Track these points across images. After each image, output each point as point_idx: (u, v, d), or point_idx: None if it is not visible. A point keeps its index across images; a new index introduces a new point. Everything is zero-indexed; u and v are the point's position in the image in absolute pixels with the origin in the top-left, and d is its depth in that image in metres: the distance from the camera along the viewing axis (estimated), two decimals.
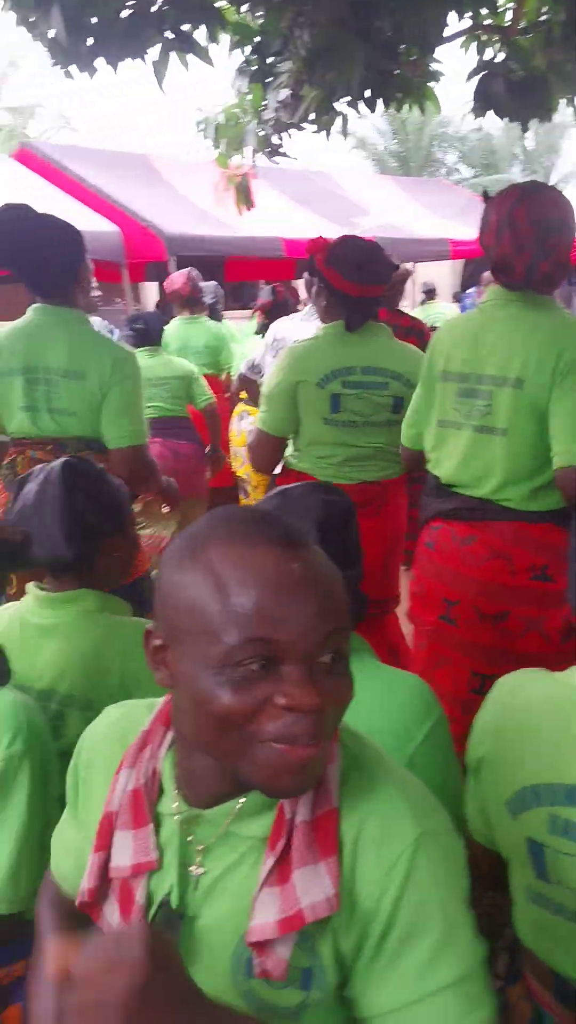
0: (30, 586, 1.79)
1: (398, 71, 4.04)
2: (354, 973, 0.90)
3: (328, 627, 0.84)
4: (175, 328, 5.50)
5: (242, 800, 0.93)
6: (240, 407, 5.17)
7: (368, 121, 27.21)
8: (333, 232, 6.56)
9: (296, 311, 4.97)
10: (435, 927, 0.87)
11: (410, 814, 0.91)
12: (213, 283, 5.67)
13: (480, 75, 3.88)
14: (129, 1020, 0.69)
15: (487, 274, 6.12)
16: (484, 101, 3.89)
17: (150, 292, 11.46)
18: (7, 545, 1.49)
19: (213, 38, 3.78)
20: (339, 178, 10.99)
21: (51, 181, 7.63)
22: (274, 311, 5.06)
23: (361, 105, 4.10)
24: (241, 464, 5.24)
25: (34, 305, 2.69)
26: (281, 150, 4.62)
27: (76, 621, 1.73)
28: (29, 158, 8.10)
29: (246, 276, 9.89)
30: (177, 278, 5.48)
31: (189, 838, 0.96)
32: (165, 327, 5.23)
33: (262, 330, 5.14)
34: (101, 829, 1.00)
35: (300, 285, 5.20)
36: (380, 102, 4.11)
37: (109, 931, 0.80)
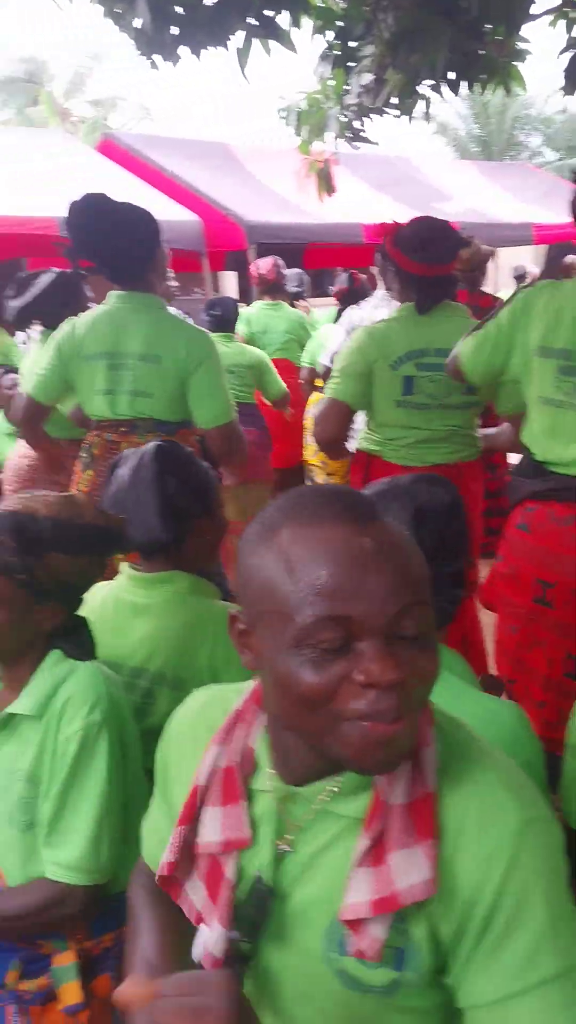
0: (124, 566, 1.84)
1: (483, 51, 3.97)
2: (454, 961, 0.89)
3: (403, 600, 0.83)
4: (257, 312, 5.62)
5: (339, 779, 0.93)
6: (317, 396, 5.21)
7: (449, 105, 26.85)
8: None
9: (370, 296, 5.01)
10: (538, 918, 0.86)
11: (513, 801, 0.90)
12: (298, 271, 5.72)
13: (571, 53, 3.78)
14: None
15: (571, 257, 5.98)
16: (574, 80, 3.79)
17: (229, 281, 11.51)
18: (110, 531, 1.52)
19: (296, 23, 3.77)
20: (419, 163, 10.85)
21: (133, 171, 7.72)
22: (350, 297, 5.10)
23: (444, 88, 4.05)
24: (314, 453, 5.30)
25: (112, 292, 2.76)
26: (363, 135, 4.59)
27: (168, 602, 1.77)
28: (112, 149, 8.21)
29: (326, 263, 9.86)
30: (263, 264, 5.61)
31: (284, 816, 0.96)
32: (247, 311, 5.32)
33: (339, 316, 5.21)
34: (188, 803, 1.01)
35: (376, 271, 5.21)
36: (464, 84, 4.05)
37: (191, 975, 0.81)
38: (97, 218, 2.65)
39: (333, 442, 2.90)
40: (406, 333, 2.75)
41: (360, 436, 2.93)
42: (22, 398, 2.88)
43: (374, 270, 7.81)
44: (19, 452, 3.59)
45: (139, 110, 23.19)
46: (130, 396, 2.68)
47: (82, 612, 1.58)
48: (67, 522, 1.46)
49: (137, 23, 3.54)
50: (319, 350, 5.19)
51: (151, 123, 22.68)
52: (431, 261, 2.71)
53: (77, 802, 1.41)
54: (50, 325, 3.54)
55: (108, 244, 2.66)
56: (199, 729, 1.08)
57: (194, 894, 1.01)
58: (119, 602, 1.81)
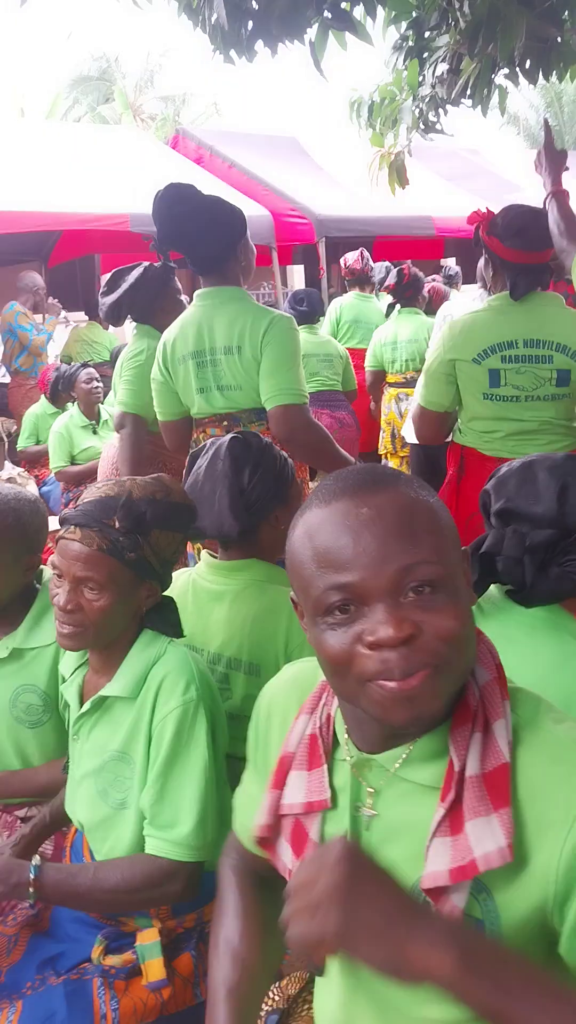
0: (204, 554, 1.87)
1: (560, 39, 3.90)
2: (560, 933, 0.90)
3: (399, 563, 0.87)
4: (351, 302, 5.84)
5: (408, 746, 0.95)
6: (392, 392, 5.26)
7: (520, 94, 26.40)
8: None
9: (422, 290, 5.22)
10: None
11: None
12: (386, 263, 5.78)
13: None
14: (342, 911, 0.80)
15: None
16: None
17: (296, 275, 11.52)
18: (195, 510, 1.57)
19: (371, 14, 3.76)
20: (490, 154, 10.72)
21: (204, 166, 7.78)
22: (399, 291, 5.24)
23: (520, 77, 3.99)
24: (385, 443, 5.40)
25: (197, 291, 2.79)
26: (437, 127, 4.55)
27: (244, 590, 1.80)
28: (183, 144, 8.29)
29: (394, 256, 9.80)
30: (351, 256, 5.80)
31: (361, 781, 0.99)
32: (341, 301, 5.62)
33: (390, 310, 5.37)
34: (278, 768, 1.06)
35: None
36: (540, 73, 3.99)
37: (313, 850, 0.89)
38: (182, 208, 2.67)
39: (435, 443, 2.98)
40: (493, 325, 2.72)
41: (454, 429, 2.94)
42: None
43: (444, 262, 7.72)
44: (116, 442, 3.64)
45: (208, 105, 23.31)
46: (221, 391, 2.69)
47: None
48: (163, 500, 1.51)
49: (213, 18, 3.57)
50: (383, 351, 5.24)
51: (220, 118, 22.76)
52: (528, 248, 2.69)
53: (181, 779, 1.44)
54: (141, 319, 3.58)
55: (192, 234, 2.67)
56: (290, 700, 1.12)
57: (284, 856, 1.05)
58: (198, 588, 1.85)
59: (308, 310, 4.88)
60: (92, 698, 1.53)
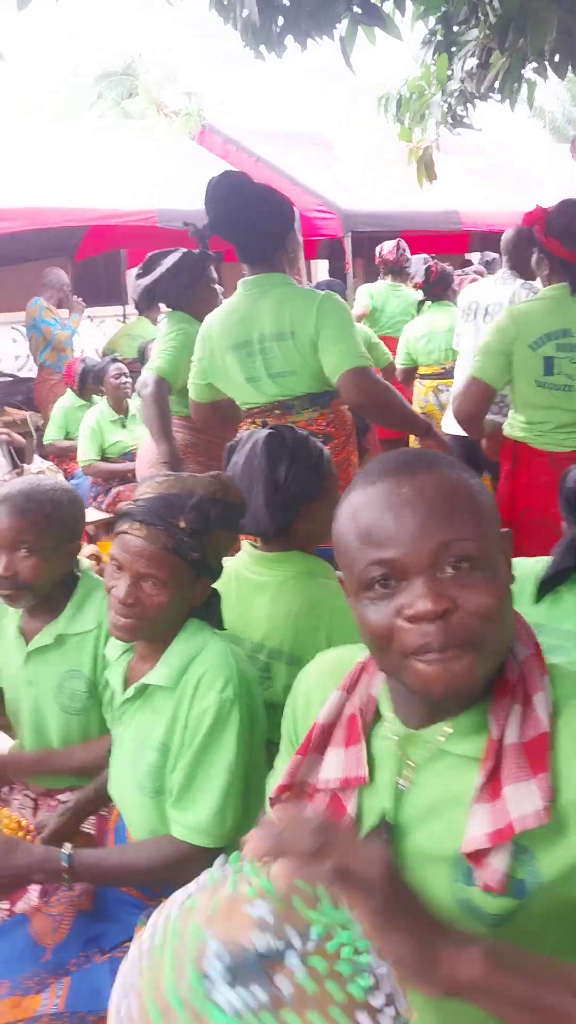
0: (246, 544, 1.92)
1: None
2: None
3: (437, 539, 0.91)
4: (381, 290, 5.96)
5: (451, 721, 0.99)
6: (429, 385, 5.28)
7: (547, 88, 26.15)
8: (510, 204, 6.42)
9: (451, 284, 5.30)
10: None
11: None
12: (423, 256, 5.83)
13: None
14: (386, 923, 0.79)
15: None
16: None
17: (321, 270, 11.52)
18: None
19: (401, 9, 3.76)
20: (515, 148, 10.66)
21: (229, 161, 7.80)
22: (428, 288, 5.34)
23: (549, 71, 3.99)
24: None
25: (240, 280, 2.79)
26: (466, 121, 4.56)
27: (285, 582, 1.83)
28: (209, 139, 8.31)
29: (420, 250, 9.78)
30: (387, 246, 5.94)
31: (403, 756, 1.02)
32: (372, 287, 5.85)
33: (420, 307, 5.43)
34: (307, 736, 1.10)
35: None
36: (569, 67, 3.98)
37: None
38: (232, 196, 2.68)
39: (471, 419, 2.94)
40: (550, 313, 2.78)
41: (506, 423, 2.96)
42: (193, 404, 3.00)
43: (470, 256, 7.69)
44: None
45: (231, 100, 23.31)
46: (273, 378, 2.67)
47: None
48: (223, 500, 1.56)
49: (244, 14, 3.59)
50: (416, 347, 5.25)
51: (242, 113, 22.76)
52: None
53: (207, 771, 1.48)
54: (174, 306, 3.54)
55: (242, 223, 2.68)
56: (327, 684, 1.15)
57: None
58: (241, 578, 1.89)
59: None
60: (135, 685, 1.57)
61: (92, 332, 10.45)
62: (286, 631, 1.80)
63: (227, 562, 1.90)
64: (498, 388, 2.86)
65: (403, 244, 5.90)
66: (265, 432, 1.92)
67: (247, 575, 1.89)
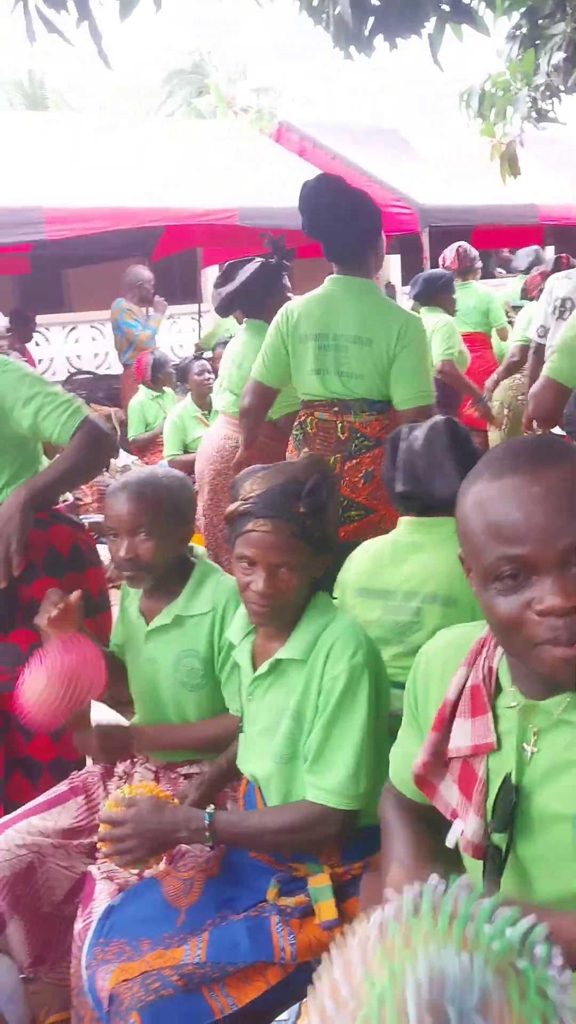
0: (402, 520, 2.10)
1: None
2: None
3: (569, 539, 0.96)
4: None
5: (572, 693, 1.06)
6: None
7: None
8: None
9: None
10: None
11: None
12: (534, 247, 5.85)
13: None
14: None
15: None
16: None
17: (393, 265, 11.54)
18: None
19: (490, 5, 3.79)
20: None
21: (307, 158, 7.87)
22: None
23: None
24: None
25: (329, 276, 2.91)
26: (551, 116, 4.57)
27: (443, 539, 1.97)
28: (286, 137, 8.40)
29: (492, 244, 9.74)
30: (448, 256, 5.93)
31: (527, 724, 1.10)
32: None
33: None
34: (438, 715, 1.18)
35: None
36: None
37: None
38: (327, 198, 2.80)
39: (548, 420, 2.97)
40: None
41: None
42: (251, 383, 3.10)
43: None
44: (221, 433, 3.78)
45: (301, 98, 23.42)
46: (341, 376, 2.82)
47: (360, 560, 1.97)
48: (329, 479, 1.67)
49: (335, 12, 3.66)
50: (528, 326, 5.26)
51: (313, 110, 22.84)
52: None
53: (341, 734, 1.58)
54: (251, 314, 3.72)
55: (333, 224, 2.80)
56: (448, 659, 1.23)
57: (448, 794, 1.18)
58: (396, 544, 2.07)
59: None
60: (268, 661, 1.67)
61: (166, 330, 10.64)
62: (441, 578, 1.94)
63: (379, 539, 2.16)
64: (573, 387, 2.87)
65: (463, 247, 5.85)
66: (441, 419, 2.10)
67: (403, 540, 2.07)
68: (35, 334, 10.37)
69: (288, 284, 3.77)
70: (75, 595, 1.93)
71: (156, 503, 1.92)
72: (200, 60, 23.71)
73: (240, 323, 4.28)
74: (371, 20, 3.69)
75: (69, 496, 5.01)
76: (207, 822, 1.59)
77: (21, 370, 2.24)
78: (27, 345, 8.14)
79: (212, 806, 1.64)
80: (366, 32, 3.73)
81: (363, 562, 2.11)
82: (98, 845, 1.70)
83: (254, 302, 3.67)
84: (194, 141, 8.36)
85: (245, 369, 3.52)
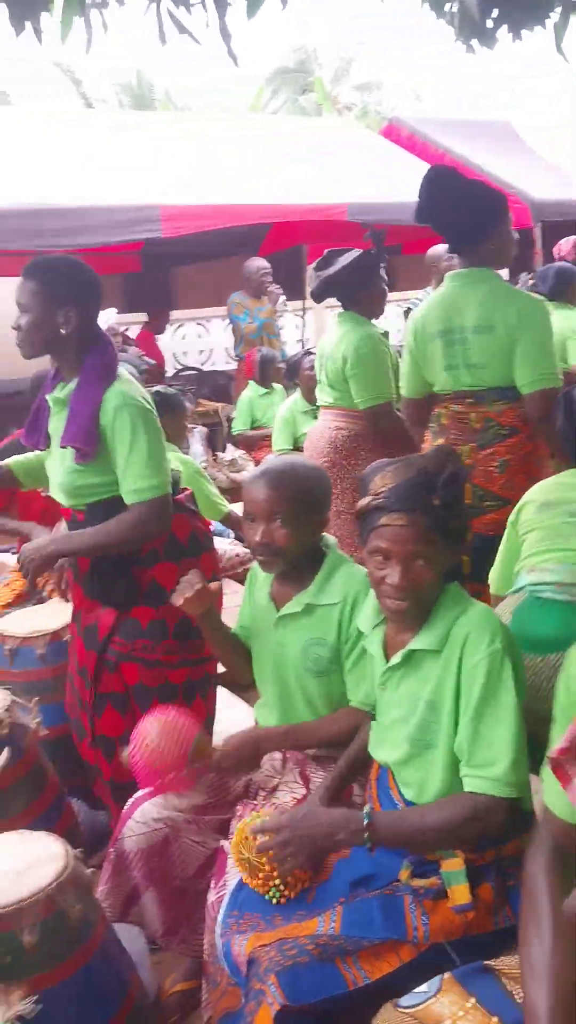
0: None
1: None
2: None
3: None
4: None
5: None
6: None
7: None
8: None
9: None
10: None
11: None
12: None
13: None
14: None
15: None
16: None
17: None
18: None
19: None
20: None
21: (416, 153, 7.84)
22: None
23: None
24: None
25: (448, 274, 2.94)
26: None
27: None
28: (395, 133, 8.38)
29: None
30: (564, 246, 5.93)
31: None
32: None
33: None
34: None
35: None
36: None
37: None
38: (443, 189, 2.83)
39: None
40: None
41: None
42: (404, 403, 3.23)
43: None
44: (332, 425, 3.81)
45: (407, 93, 23.26)
46: (469, 369, 2.85)
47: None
48: (460, 469, 1.68)
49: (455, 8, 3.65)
50: None
51: (421, 105, 22.66)
52: None
53: (493, 721, 1.58)
54: (346, 303, 3.74)
55: (449, 214, 2.83)
56: None
57: None
58: None
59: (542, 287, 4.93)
60: (402, 652, 1.69)
61: (292, 325, 10.72)
62: None
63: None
64: None
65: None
66: None
67: None
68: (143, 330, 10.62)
69: (385, 277, 3.77)
70: (215, 584, 2.04)
71: (294, 491, 1.97)
72: (305, 57, 23.76)
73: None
74: (495, 11, 3.67)
75: None
76: (365, 823, 1.59)
77: (140, 415, 2.24)
78: (128, 341, 8.26)
79: (368, 806, 1.64)
80: (490, 24, 3.71)
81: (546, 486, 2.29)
82: (257, 847, 1.67)
83: (349, 291, 3.68)
84: (302, 138, 8.42)
85: (339, 362, 3.60)
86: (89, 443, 2.23)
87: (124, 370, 2.36)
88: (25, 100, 20.71)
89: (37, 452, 2.53)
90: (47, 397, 2.39)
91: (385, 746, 1.74)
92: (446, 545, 1.65)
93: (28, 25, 2.55)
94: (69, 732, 2.60)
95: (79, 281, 2.28)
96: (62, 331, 2.25)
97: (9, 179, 5.98)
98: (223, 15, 2.66)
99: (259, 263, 7.41)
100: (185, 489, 2.63)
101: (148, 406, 2.30)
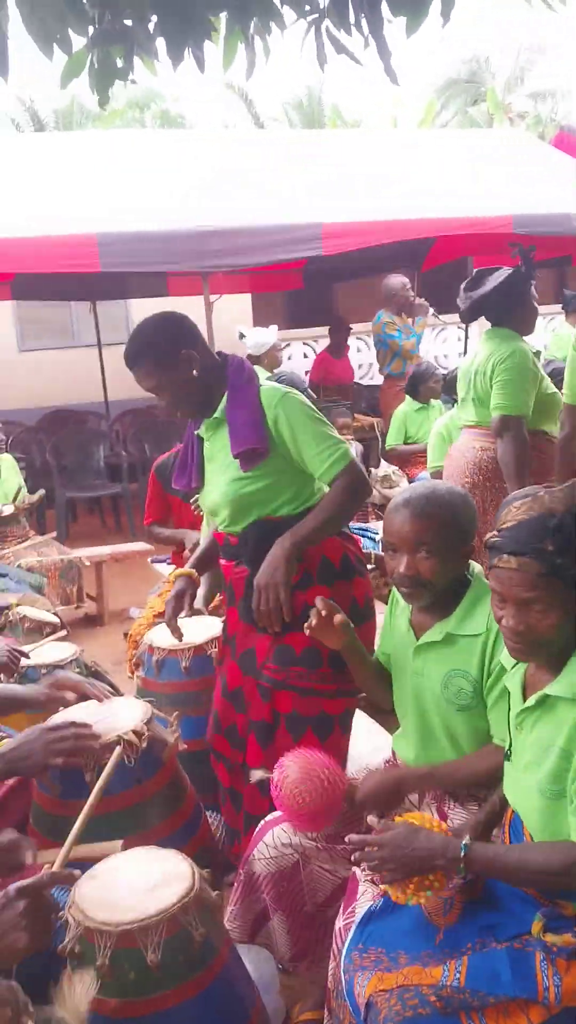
0: None
1: None
2: None
3: None
4: None
5: None
6: None
7: None
8: None
9: None
10: None
11: None
12: None
13: None
14: None
15: None
16: None
17: None
18: None
19: None
20: None
21: None
22: None
23: None
24: None
25: None
26: None
27: None
28: (567, 142, 8.12)
29: None
30: None
31: None
32: None
33: None
34: None
35: None
36: None
37: None
38: None
39: None
40: None
41: None
42: (565, 410, 3.17)
43: None
44: (475, 445, 3.70)
45: None
46: None
47: None
48: None
49: None
50: None
51: None
52: None
53: None
54: (498, 322, 3.65)
55: None
56: None
57: None
58: None
59: None
60: (536, 695, 1.61)
61: (431, 340, 10.63)
62: None
63: None
64: None
65: None
66: None
67: None
68: (304, 346, 10.77)
69: (535, 294, 3.70)
70: (339, 617, 2.02)
71: (440, 520, 1.91)
72: (476, 68, 23.45)
73: None
74: None
75: None
76: (463, 853, 1.54)
77: (301, 404, 2.38)
78: (288, 356, 8.35)
79: (467, 837, 1.59)
80: None
81: None
82: (352, 859, 1.68)
83: (501, 310, 3.62)
84: (468, 150, 8.30)
85: (487, 377, 3.54)
86: (261, 441, 2.33)
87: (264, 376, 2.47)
88: (199, 122, 21.43)
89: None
90: (195, 433, 2.48)
91: (516, 790, 1.66)
92: (571, 588, 1.53)
93: (189, 53, 2.61)
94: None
95: (167, 330, 2.37)
96: (194, 374, 2.35)
97: (176, 201, 6.21)
98: (379, 33, 2.64)
99: (401, 279, 7.41)
100: None
101: (299, 395, 2.41)
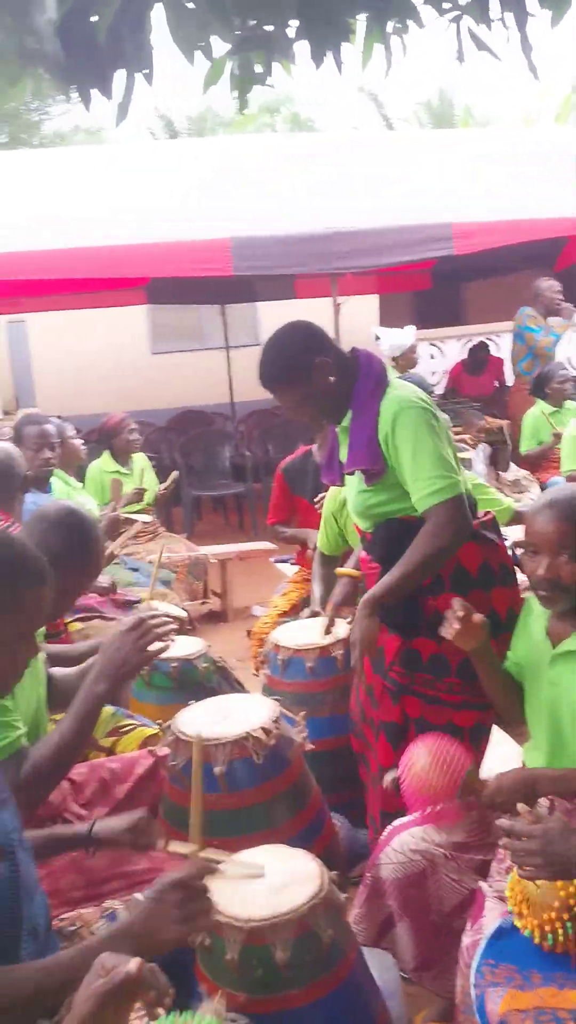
0: None
1: None
2: None
3: None
4: None
5: None
6: None
7: None
8: None
9: None
10: None
11: None
12: None
13: None
14: None
15: None
16: None
17: None
18: None
19: None
20: None
21: None
22: None
23: None
24: None
25: None
26: None
27: None
28: None
29: None
30: None
31: None
32: None
33: None
34: None
35: None
36: None
37: None
38: None
39: None
40: None
41: None
42: None
43: None
44: None
45: None
46: None
47: None
48: None
49: None
50: None
51: None
52: None
53: None
54: None
55: None
56: None
57: None
58: None
59: None
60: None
61: (566, 341, 10.32)
62: None
63: None
64: None
65: None
66: None
67: None
68: (431, 347, 10.64)
69: None
70: (477, 617, 1.96)
71: None
72: None
73: None
74: None
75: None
76: None
77: (416, 422, 2.27)
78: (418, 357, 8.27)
79: None
80: None
81: None
82: (500, 843, 1.64)
83: None
84: None
85: None
86: (373, 463, 2.30)
87: (394, 375, 2.41)
88: (329, 125, 21.51)
89: None
90: (336, 429, 2.49)
91: None
92: None
93: (330, 56, 2.63)
94: (334, 746, 2.64)
95: (296, 343, 2.36)
96: (331, 380, 2.32)
97: (306, 204, 6.24)
98: (524, 27, 2.58)
99: (551, 283, 7.23)
100: (487, 513, 2.53)
101: (426, 406, 2.32)
